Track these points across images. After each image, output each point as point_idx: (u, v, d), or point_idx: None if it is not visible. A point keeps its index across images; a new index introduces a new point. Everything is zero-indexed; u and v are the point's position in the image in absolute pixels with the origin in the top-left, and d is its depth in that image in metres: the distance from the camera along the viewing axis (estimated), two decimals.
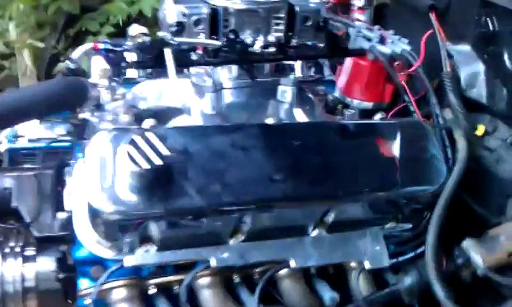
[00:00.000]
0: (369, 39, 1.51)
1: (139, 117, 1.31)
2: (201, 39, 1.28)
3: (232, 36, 1.25)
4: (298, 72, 1.69)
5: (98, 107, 1.27)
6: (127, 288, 1.12)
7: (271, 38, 1.34)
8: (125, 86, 1.42)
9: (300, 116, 1.42)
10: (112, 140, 1.04)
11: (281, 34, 1.35)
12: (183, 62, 1.26)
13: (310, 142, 1.19)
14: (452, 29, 1.48)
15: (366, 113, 1.57)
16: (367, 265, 1.20)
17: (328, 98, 1.55)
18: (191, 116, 1.35)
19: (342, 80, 1.61)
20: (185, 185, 1.05)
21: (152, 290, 1.15)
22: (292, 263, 1.16)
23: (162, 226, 1.07)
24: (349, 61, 1.58)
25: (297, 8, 1.35)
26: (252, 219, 1.12)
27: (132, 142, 0.99)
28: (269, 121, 1.23)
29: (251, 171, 1.12)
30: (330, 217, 1.19)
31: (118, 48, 1.29)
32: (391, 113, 1.47)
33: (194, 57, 1.28)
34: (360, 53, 1.44)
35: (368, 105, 1.57)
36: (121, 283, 1.12)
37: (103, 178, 1.02)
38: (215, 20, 1.30)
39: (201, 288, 1.17)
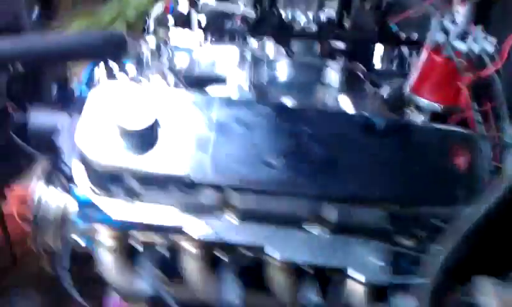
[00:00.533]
0: (447, 32, 1.31)
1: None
2: (235, 6, 1.23)
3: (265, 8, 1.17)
4: (378, 63, 1.55)
5: (139, 62, 1.30)
6: (112, 235, 1.14)
7: (322, 16, 1.23)
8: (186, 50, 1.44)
9: (346, 104, 1.30)
10: (109, 92, 1.06)
11: (332, 13, 1.23)
12: (217, 29, 1.22)
13: (325, 132, 1.09)
14: None
15: (436, 117, 1.38)
16: (362, 278, 1.07)
17: (391, 94, 1.38)
18: (227, 85, 1.31)
19: (413, 76, 1.43)
20: (167, 148, 1.03)
21: (138, 246, 1.15)
22: (276, 254, 1.08)
23: (144, 183, 1.07)
24: (423, 55, 1.39)
25: None
26: (239, 198, 1.06)
27: (121, 96, 1.00)
28: (287, 101, 1.15)
29: (245, 148, 1.06)
30: (332, 216, 1.08)
31: None
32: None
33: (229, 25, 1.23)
34: (414, 43, 1.26)
35: (438, 107, 1.36)
36: (107, 232, 1.14)
37: (90, 125, 1.05)
38: None
39: (187, 257, 1.14)
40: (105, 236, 1.14)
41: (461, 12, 1.51)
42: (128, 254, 1.15)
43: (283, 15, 1.24)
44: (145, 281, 1.11)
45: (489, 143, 1.13)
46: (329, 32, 1.26)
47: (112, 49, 1.28)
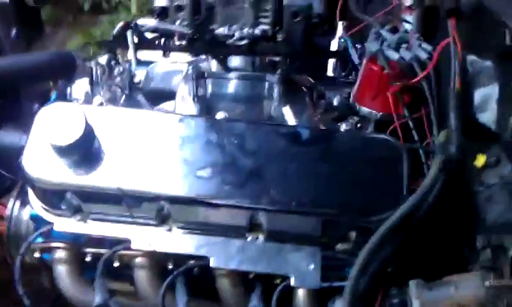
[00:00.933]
0: (383, 41, 1.36)
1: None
2: (167, 24, 1.29)
3: (200, 25, 1.23)
4: (330, 71, 1.60)
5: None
6: (64, 250, 1.20)
7: (256, 31, 1.29)
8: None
9: (287, 115, 1.36)
10: (52, 113, 1.12)
11: (266, 28, 1.29)
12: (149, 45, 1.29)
13: (252, 143, 1.15)
14: (476, 40, 1.27)
15: (381, 125, 1.43)
16: (293, 282, 1.13)
17: (332, 102, 1.44)
18: (173, 100, 1.38)
19: (355, 85, 1.48)
20: (103, 164, 1.10)
21: (88, 258, 1.21)
22: (212, 262, 1.14)
23: (85, 199, 1.13)
24: (363, 64, 1.44)
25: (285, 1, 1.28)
26: (174, 210, 1.13)
27: (58, 115, 1.07)
28: (220, 115, 1.21)
29: (178, 161, 1.12)
30: (263, 224, 1.14)
31: None
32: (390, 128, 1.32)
33: (172, 43, 1.30)
34: (340, 55, 1.31)
35: (377, 115, 1.42)
36: (60, 244, 1.21)
37: (36, 145, 1.11)
38: (198, 9, 1.30)
39: (137, 268, 1.21)
40: (58, 251, 1.21)
41: (409, 20, 1.57)
42: (79, 267, 1.22)
43: (218, 31, 1.29)
44: (95, 292, 1.16)
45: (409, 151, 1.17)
46: (262, 47, 1.31)
47: (61, 69, 1.34)
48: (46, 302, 1.29)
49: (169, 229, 1.17)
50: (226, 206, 1.11)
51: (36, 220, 1.23)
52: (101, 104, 1.22)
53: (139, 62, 1.56)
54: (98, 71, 1.39)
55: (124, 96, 1.42)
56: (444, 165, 1.12)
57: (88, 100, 1.37)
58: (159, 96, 1.45)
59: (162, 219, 1.16)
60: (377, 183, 1.12)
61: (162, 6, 1.33)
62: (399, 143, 1.16)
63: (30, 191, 1.21)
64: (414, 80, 1.28)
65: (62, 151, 1.08)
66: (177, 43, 1.33)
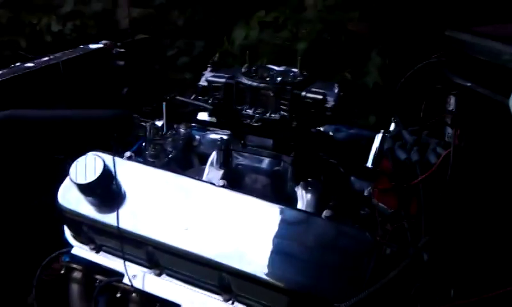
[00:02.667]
0: (403, 142, 1.43)
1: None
2: (195, 100, 1.50)
3: (221, 103, 1.42)
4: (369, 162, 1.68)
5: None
6: (80, 272, 1.44)
7: (276, 116, 1.45)
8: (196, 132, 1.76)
9: (299, 196, 1.47)
10: (85, 160, 1.38)
11: (284, 114, 1.44)
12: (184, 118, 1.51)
13: (241, 212, 1.28)
14: None
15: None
16: None
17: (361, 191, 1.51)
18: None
19: None
20: (114, 206, 1.32)
21: (96, 281, 1.43)
22: None
23: (96, 232, 1.36)
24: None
25: (302, 94, 1.42)
26: (161, 257, 1.30)
27: (83, 162, 1.33)
28: (220, 182, 1.36)
29: (173, 216, 1.30)
30: (232, 286, 1.25)
31: None
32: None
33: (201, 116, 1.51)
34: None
35: (387, 211, 1.46)
36: (77, 266, 1.45)
37: (69, 184, 1.38)
38: (230, 91, 1.50)
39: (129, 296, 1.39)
40: (75, 271, 1.45)
41: None
42: (88, 289, 1.43)
43: (242, 112, 1.47)
44: None
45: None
46: (276, 130, 1.45)
47: (119, 125, 1.62)
48: None
49: (159, 274, 1.33)
50: (203, 262, 1.24)
51: (66, 243, 1.47)
52: (130, 158, 1.44)
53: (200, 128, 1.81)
54: (152, 132, 1.63)
55: (173, 156, 1.64)
56: (408, 269, 1.14)
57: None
58: (206, 159, 1.65)
59: (154, 263, 1.33)
60: (343, 273, 1.16)
61: (203, 85, 1.54)
62: (373, 239, 1.20)
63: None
64: (412, 182, 1.31)
65: (82, 189, 1.31)
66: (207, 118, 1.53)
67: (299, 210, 1.36)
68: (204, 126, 1.65)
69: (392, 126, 1.68)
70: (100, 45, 2.22)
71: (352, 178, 1.63)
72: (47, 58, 2.02)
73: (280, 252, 1.21)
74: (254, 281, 1.20)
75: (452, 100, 1.59)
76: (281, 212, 1.26)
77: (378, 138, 1.72)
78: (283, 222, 1.25)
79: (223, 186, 1.33)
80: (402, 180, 1.32)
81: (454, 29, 1.42)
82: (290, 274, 1.19)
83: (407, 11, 3.15)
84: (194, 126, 1.83)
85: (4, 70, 1.80)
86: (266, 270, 1.18)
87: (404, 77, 1.68)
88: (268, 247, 1.22)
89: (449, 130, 1.59)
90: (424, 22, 3.10)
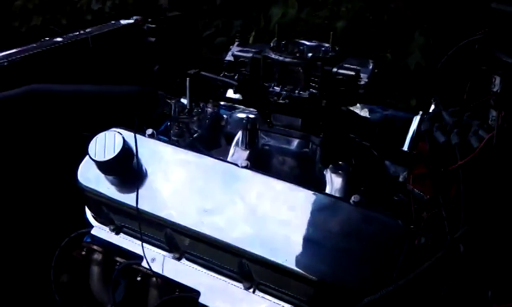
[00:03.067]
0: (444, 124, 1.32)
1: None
2: (220, 77, 1.42)
3: (247, 80, 1.34)
4: (406, 145, 1.58)
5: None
6: (100, 254, 1.40)
7: (305, 94, 1.36)
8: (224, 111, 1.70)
9: (327, 178, 1.39)
10: (104, 137, 1.33)
11: (315, 91, 1.35)
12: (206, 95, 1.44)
13: (265, 195, 1.21)
14: None
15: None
16: None
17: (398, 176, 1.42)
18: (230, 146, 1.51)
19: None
20: (134, 186, 1.27)
21: (116, 263, 1.40)
22: (201, 298, 1.22)
23: (116, 213, 1.32)
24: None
25: (334, 70, 1.33)
26: (181, 240, 1.24)
27: (102, 138, 1.28)
28: (243, 163, 1.29)
29: (194, 198, 1.24)
30: (253, 273, 1.19)
31: None
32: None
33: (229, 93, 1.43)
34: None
35: (424, 197, 1.36)
36: (98, 248, 1.41)
37: (89, 161, 1.34)
38: (257, 67, 1.42)
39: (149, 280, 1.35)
40: (95, 253, 1.41)
41: None
42: (108, 270, 1.40)
43: (269, 89, 1.39)
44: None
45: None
46: (304, 109, 1.36)
47: (143, 101, 1.56)
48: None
49: (179, 258, 1.28)
50: (223, 247, 1.17)
51: (87, 222, 1.44)
52: (151, 135, 1.39)
53: (228, 106, 1.74)
54: (178, 110, 1.57)
55: (198, 135, 1.58)
56: (443, 261, 1.04)
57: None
58: (233, 139, 1.58)
59: (174, 247, 1.27)
60: (372, 263, 1.08)
61: (229, 60, 1.46)
62: (405, 227, 1.10)
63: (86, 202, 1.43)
64: (451, 167, 1.21)
65: (101, 166, 1.27)
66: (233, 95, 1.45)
67: (326, 194, 1.27)
68: (231, 103, 1.56)
69: (432, 108, 1.57)
70: (131, 21, 2.17)
71: (386, 162, 1.53)
72: (76, 33, 1.98)
73: (304, 240, 1.13)
74: (276, 269, 1.13)
75: (498, 80, 1.46)
76: (306, 196, 1.19)
77: (416, 120, 1.62)
78: (308, 207, 1.17)
79: (246, 167, 1.26)
80: (440, 164, 1.21)
81: (501, 1, 1.29)
82: (315, 262, 1.12)
83: None
84: (222, 104, 1.77)
85: (33, 44, 1.78)
86: (289, 258, 1.11)
87: (446, 55, 1.56)
88: (292, 233, 1.14)
89: (493, 113, 1.46)
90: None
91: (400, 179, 1.52)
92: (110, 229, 1.37)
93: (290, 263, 1.10)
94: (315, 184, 1.37)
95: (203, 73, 1.44)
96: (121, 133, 1.29)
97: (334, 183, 1.36)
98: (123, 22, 2.20)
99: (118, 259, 1.38)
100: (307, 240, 1.13)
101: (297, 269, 1.11)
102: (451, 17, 2.98)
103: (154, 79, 2.15)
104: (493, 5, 1.30)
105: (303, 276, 1.11)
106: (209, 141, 1.63)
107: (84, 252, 1.43)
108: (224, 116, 1.71)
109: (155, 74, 2.19)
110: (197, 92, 1.47)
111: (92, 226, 1.40)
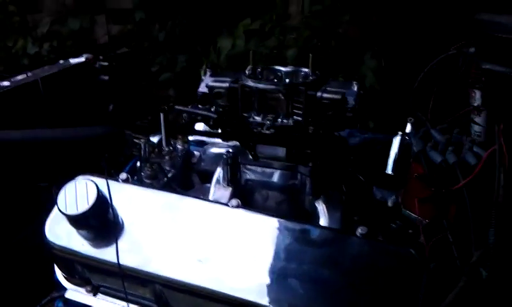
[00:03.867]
0: (435, 142, 1.26)
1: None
2: (198, 109, 1.31)
3: (227, 111, 1.24)
4: (389, 169, 1.51)
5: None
6: None
7: (289, 122, 1.27)
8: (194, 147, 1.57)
9: (320, 211, 1.29)
10: (74, 186, 1.18)
11: (299, 119, 1.26)
12: (186, 129, 1.32)
13: (261, 236, 1.10)
14: None
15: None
16: None
17: (386, 202, 1.34)
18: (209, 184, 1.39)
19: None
20: (112, 239, 1.12)
21: None
22: None
23: (92, 271, 1.16)
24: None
25: (318, 94, 1.25)
26: (172, 297, 1.11)
27: (72, 188, 1.13)
28: (233, 202, 1.18)
29: (183, 246, 1.11)
30: None
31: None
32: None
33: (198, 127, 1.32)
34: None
35: (422, 222, 1.29)
36: None
37: (58, 215, 1.18)
38: (235, 97, 1.32)
39: None
40: None
41: (477, 121, 1.45)
42: None
43: (250, 119, 1.29)
44: None
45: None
46: (291, 137, 1.27)
47: (107, 144, 1.42)
48: None
49: None
50: (226, 301, 1.05)
51: (58, 284, 1.27)
52: (126, 180, 1.25)
53: (198, 143, 1.63)
54: (148, 149, 1.44)
55: (172, 175, 1.45)
56: (468, 290, 0.97)
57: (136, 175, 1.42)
58: (209, 176, 1.47)
59: (163, 304, 1.13)
60: (387, 300, 0.98)
61: (203, 92, 1.36)
62: (421, 258, 1.02)
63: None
64: (454, 187, 1.15)
65: (73, 220, 1.12)
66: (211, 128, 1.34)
67: (331, 229, 1.17)
68: (207, 136, 1.45)
69: (408, 128, 1.53)
70: (82, 59, 2.04)
71: (373, 187, 1.46)
72: (23, 76, 1.83)
73: (317, 282, 1.03)
74: None
75: (478, 94, 1.44)
76: (312, 234, 1.09)
77: (396, 141, 1.56)
78: (315, 245, 1.07)
79: (237, 206, 1.15)
80: (441, 186, 1.15)
81: (486, 11, 1.26)
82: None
83: (401, 11, 3.04)
84: (191, 141, 1.65)
85: None
86: (302, 305, 1.00)
87: (422, 72, 1.52)
88: (301, 276, 1.04)
89: (476, 128, 1.44)
90: (419, 20, 2.98)
91: (389, 204, 1.45)
92: (86, 291, 1.21)
93: None
94: (307, 217, 1.27)
95: (177, 107, 1.32)
96: (93, 181, 1.15)
97: (328, 215, 1.27)
98: (72, 61, 2.07)
99: None
100: (320, 283, 1.03)
101: None
102: (401, 38, 3.02)
103: (109, 120, 2.01)
104: (478, 16, 1.27)
105: None
106: (183, 182, 1.51)
107: None
108: (196, 152, 1.59)
109: (110, 114, 2.06)
110: (171, 128, 1.35)
111: (64, 289, 1.23)
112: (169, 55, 4.61)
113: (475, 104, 1.45)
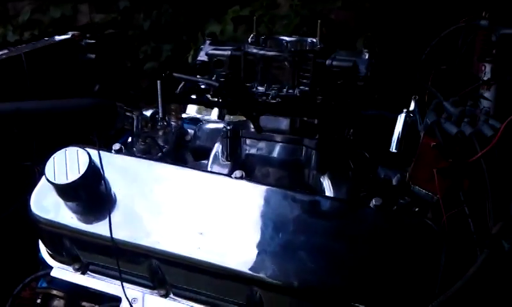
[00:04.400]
0: (447, 115, 1.19)
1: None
2: (199, 78, 1.22)
3: (229, 79, 1.15)
4: (393, 147, 1.44)
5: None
6: (62, 300, 1.14)
7: (295, 92, 1.19)
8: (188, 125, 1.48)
9: (325, 186, 1.21)
10: (64, 156, 1.09)
11: (306, 89, 1.18)
12: (183, 98, 1.23)
13: (267, 208, 1.02)
14: None
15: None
16: None
17: (390, 179, 1.26)
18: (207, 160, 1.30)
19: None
20: (104, 212, 1.03)
21: None
22: None
23: (82, 247, 1.07)
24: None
25: (328, 62, 1.17)
26: (169, 272, 1.02)
27: (62, 157, 1.03)
28: (237, 174, 1.09)
29: (180, 218, 1.02)
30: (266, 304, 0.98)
31: None
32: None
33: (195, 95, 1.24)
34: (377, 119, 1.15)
35: (433, 198, 1.21)
36: (58, 293, 1.14)
37: (45, 187, 1.08)
38: (237, 65, 1.23)
39: None
40: (56, 299, 1.15)
41: (486, 96, 1.39)
42: None
43: (253, 90, 1.21)
44: None
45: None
46: (298, 107, 1.19)
47: (101, 116, 1.33)
48: None
49: (165, 295, 1.05)
50: (228, 276, 0.96)
51: (42, 263, 1.17)
52: (119, 151, 1.16)
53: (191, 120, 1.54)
54: (140, 123, 1.35)
55: (166, 151, 1.36)
56: (490, 262, 0.90)
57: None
58: (204, 153, 1.38)
59: (159, 282, 1.04)
60: (406, 274, 0.91)
61: (202, 60, 1.27)
62: (439, 230, 0.95)
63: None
64: (472, 159, 1.08)
65: (63, 191, 1.03)
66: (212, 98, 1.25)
67: (344, 200, 1.10)
68: (208, 106, 1.36)
69: (412, 106, 1.46)
70: (67, 36, 1.93)
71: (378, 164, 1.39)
72: (6, 51, 1.72)
73: (328, 255, 0.96)
74: (297, 295, 0.93)
75: (488, 68, 1.38)
76: (322, 205, 1.01)
77: (401, 119, 1.49)
78: (326, 217, 1.00)
79: (241, 177, 1.06)
80: (459, 157, 1.08)
81: None
82: (345, 282, 0.93)
83: None
84: (184, 118, 1.57)
85: None
86: (314, 279, 0.93)
87: (429, 45, 1.46)
88: (312, 249, 0.96)
89: (484, 103, 1.38)
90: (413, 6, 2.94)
91: (394, 182, 1.38)
92: (74, 269, 1.11)
93: (316, 285, 0.92)
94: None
95: (176, 74, 1.23)
96: (85, 150, 1.05)
97: (333, 191, 1.19)
98: (58, 38, 1.96)
99: (85, 304, 1.13)
100: (331, 256, 0.95)
101: (324, 291, 0.93)
102: (395, 24, 2.97)
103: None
104: None
105: (332, 299, 0.92)
106: (176, 158, 1.42)
107: (39, 300, 1.16)
108: (189, 130, 1.50)
109: (95, 94, 1.96)
110: (169, 98, 1.26)
111: (50, 267, 1.14)
112: (153, 44, 4.51)
113: (485, 78, 1.39)
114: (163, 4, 4.49)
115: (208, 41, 1.31)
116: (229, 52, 1.23)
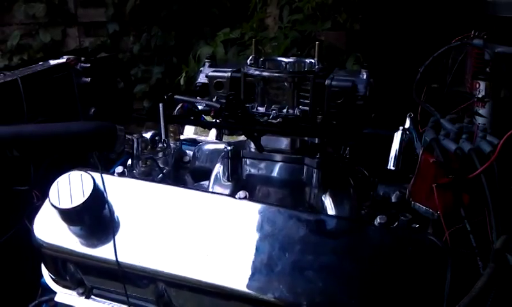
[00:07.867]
0: (445, 132, 1.21)
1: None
2: (198, 99, 1.23)
3: (230, 100, 1.16)
4: (390, 164, 1.45)
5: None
6: None
7: (295, 112, 1.20)
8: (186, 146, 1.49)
9: (327, 204, 1.22)
10: (67, 180, 1.08)
11: (306, 108, 1.20)
12: (184, 120, 1.24)
13: (271, 228, 1.02)
14: None
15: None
16: None
17: (389, 197, 1.27)
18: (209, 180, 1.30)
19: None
20: (109, 236, 1.03)
21: None
22: None
23: (86, 272, 1.06)
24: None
25: (327, 82, 1.18)
26: (175, 295, 1.01)
27: (65, 181, 1.03)
28: (241, 194, 1.10)
29: (186, 241, 1.02)
30: None
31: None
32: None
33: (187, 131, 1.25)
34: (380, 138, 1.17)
35: (434, 214, 1.22)
36: None
37: (48, 211, 1.08)
38: (237, 87, 1.24)
39: None
40: None
41: (481, 113, 1.41)
42: None
43: (253, 110, 1.22)
44: None
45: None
46: (298, 127, 1.21)
47: (101, 139, 1.32)
48: None
49: None
50: (232, 296, 0.96)
51: (45, 288, 1.16)
52: (122, 174, 1.16)
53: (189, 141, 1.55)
54: (141, 145, 1.36)
55: (166, 172, 1.37)
56: (496, 277, 0.91)
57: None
58: (204, 174, 1.39)
59: (164, 305, 1.04)
60: (414, 291, 0.92)
61: (202, 83, 1.28)
62: (444, 246, 0.96)
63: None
64: (471, 175, 1.09)
65: (67, 215, 1.02)
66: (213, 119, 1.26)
67: (349, 218, 1.10)
68: (208, 127, 1.37)
69: (408, 123, 1.48)
70: (62, 60, 1.94)
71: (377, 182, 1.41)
72: (1, 75, 1.72)
73: (335, 275, 0.95)
74: None
75: (482, 85, 1.41)
76: (328, 224, 1.02)
77: (398, 136, 1.51)
78: (333, 236, 1.00)
79: (245, 198, 1.07)
80: (460, 173, 1.10)
81: None
82: (354, 301, 0.93)
83: (385, 16, 3.04)
84: (183, 140, 1.58)
85: None
86: (322, 300, 0.93)
87: (422, 64, 1.49)
88: (319, 269, 0.96)
89: (480, 120, 1.40)
90: (403, 25, 2.98)
91: (393, 200, 1.40)
92: (78, 293, 1.11)
93: (326, 306, 0.91)
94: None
95: (177, 96, 1.24)
96: (89, 173, 1.05)
97: (336, 209, 1.20)
98: (52, 62, 1.96)
99: None
100: (341, 277, 0.95)
101: None
102: (385, 44, 3.02)
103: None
104: None
105: None
106: (175, 179, 1.43)
107: None
108: (188, 151, 1.51)
109: (91, 118, 1.96)
110: (168, 119, 1.27)
111: (53, 292, 1.13)
112: (143, 67, 4.53)
113: (479, 96, 1.41)
114: (153, 26, 4.52)
115: (207, 63, 1.32)
116: (229, 74, 1.24)
